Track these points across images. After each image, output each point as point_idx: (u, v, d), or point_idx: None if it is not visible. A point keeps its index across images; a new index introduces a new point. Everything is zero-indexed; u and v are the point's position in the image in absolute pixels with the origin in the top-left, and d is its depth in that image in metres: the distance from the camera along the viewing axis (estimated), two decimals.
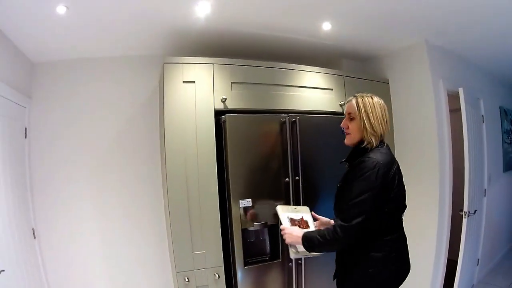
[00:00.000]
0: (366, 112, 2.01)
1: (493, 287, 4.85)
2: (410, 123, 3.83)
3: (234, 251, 2.71)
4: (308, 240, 1.92)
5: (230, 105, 2.83)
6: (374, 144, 1.95)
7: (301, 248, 1.97)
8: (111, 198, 3.54)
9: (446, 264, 3.86)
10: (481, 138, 4.61)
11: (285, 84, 3.08)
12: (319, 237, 1.87)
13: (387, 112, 2.07)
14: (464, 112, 3.72)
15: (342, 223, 1.80)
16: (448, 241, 3.82)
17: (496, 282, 5.01)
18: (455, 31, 3.47)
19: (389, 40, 3.65)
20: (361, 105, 2.03)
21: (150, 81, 3.63)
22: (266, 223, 2.81)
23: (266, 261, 2.87)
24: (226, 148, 2.73)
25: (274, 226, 2.82)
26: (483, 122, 4.66)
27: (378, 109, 2.02)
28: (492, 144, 5.17)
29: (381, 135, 2.00)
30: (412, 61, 3.77)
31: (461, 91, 3.72)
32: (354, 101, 2.07)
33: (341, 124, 2.12)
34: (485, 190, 4.66)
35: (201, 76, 2.78)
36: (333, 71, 3.39)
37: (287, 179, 2.90)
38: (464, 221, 3.70)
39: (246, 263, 2.75)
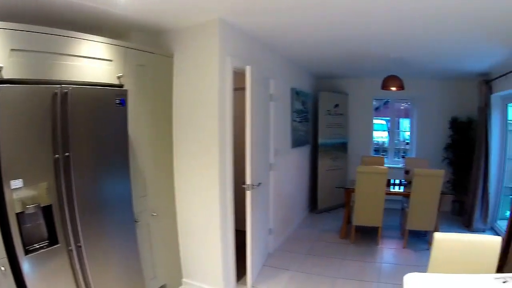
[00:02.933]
0: None
1: (291, 254, 5.48)
2: (192, 99, 4.01)
3: (13, 239, 2.54)
4: None
5: (8, 75, 2.58)
6: None
7: None
8: None
9: (235, 236, 4.21)
10: (268, 116, 5.12)
11: (64, 53, 2.95)
12: None
13: None
14: (249, 89, 3.96)
15: None
16: (233, 213, 4.17)
17: (293, 249, 5.70)
18: (253, 13, 3.64)
19: (183, 15, 3.67)
20: None
21: None
22: (39, 204, 2.67)
23: (47, 246, 2.73)
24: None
25: (49, 207, 2.73)
26: (271, 100, 5.19)
27: None
28: (282, 122, 5.85)
29: None
30: (202, 37, 3.88)
31: (248, 69, 3.97)
32: None
33: None
34: (271, 164, 5.22)
35: None
36: (115, 41, 3.36)
37: (56, 155, 2.77)
38: (248, 193, 4.05)
39: (27, 252, 2.60)
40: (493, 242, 2.58)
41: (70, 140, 2.83)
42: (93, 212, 3.02)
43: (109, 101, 3.15)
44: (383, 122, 9.51)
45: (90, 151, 3.02)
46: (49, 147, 2.72)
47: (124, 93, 3.26)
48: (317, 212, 7.79)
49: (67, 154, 2.81)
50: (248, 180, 4.04)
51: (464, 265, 2.60)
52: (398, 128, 9.32)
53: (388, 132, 9.20)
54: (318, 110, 7.77)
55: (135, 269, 3.42)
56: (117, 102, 3.18)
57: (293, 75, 6.53)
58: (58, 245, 2.77)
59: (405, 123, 9.41)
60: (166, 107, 4.01)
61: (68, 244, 2.83)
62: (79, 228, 2.88)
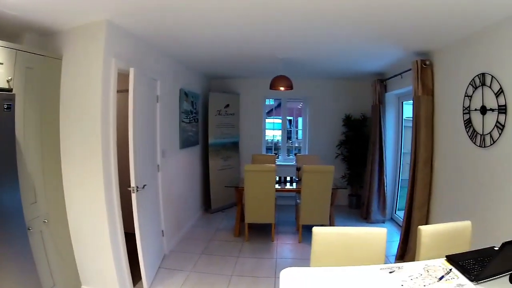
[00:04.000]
0: None
1: (186, 254, 5.62)
2: (77, 102, 3.99)
3: None
4: None
5: None
6: None
7: None
8: None
9: (125, 239, 4.29)
10: (154, 117, 5.27)
11: None
12: None
13: None
14: (132, 91, 4.07)
15: None
16: (121, 216, 4.23)
17: (188, 249, 5.84)
18: (140, 15, 3.76)
19: (71, 16, 3.66)
20: None
21: None
22: None
23: None
24: None
25: None
26: (157, 102, 5.37)
27: None
28: (170, 123, 6.00)
29: None
30: (88, 38, 3.91)
31: (131, 70, 4.08)
32: None
33: None
34: (158, 165, 5.37)
35: None
36: (6, 44, 3.28)
37: None
38: (133, 195, 4.14)
39: None
40: (379, 234, 2.72)
41: None
42: None
43: None
44: (280, 121, 9.94)
45: None
46: None
47: (12, 98, 3.23)
48: (211, 211, 8.04)
49: None
50: (132, 183, 4.13)
51: (349, 258, 2.69)
52: (296, 127, 9.80)
53: (287, 131, 9.63)
54: (209, 110, 8.01)
55: (32, 278, 3.37)
56: (5, 107, 3.16)
57: (182, 76, 6.69)
58: None
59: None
60: (54, 111, 3.98)
61: None
62: None
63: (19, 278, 3.26)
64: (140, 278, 4.39)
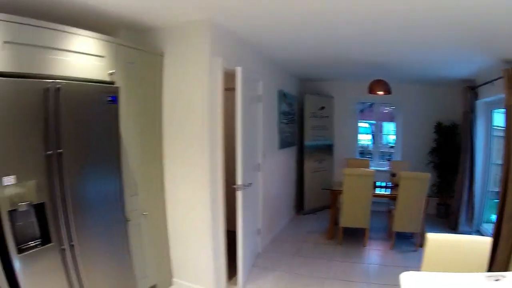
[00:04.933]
0: None
1: (279, 255, 5.37)
2: (182, 99, 3.88)
3: (5, 238, 2.38)
4: None
5: (0, 68, 2.43)
6: None
7: None
8: None
9: (226, 236, 4.09)
10: (257, 117, 5.04)
11: (56, 47, 2.80)
12: None
13: None
14: (240, 91, 3.88)
15: None
16: (224, 214, 4.04)
17: (281, 249, 5.60)
18: (243, 14, 3.58)
19: (173, 13, 3.57)
20: None
21: None
22: (31, 202, 2.53)
23: (39, 245, 2.58)
24: None
25: (41, 205, 2.59)
26: (259, 102, 5.10)
27: None
28: (269, 123, 5.77)
29: None
30: (193, 36, 3.78)
31: (238, 70, 3.88)
32: None
33: None
34: (259, 164, 5.12)
35: None
36: (107, 38, 3.25)
37: (49, 152, 2.63)
38: (239, 193, 3.96)
39: (19, 250, 2.44)
40: (483, 243, 2.60)
41: (62, 137, 2.71)
42: (85, 210, 2.90)
43: (101, 98, 3.03)
44: (367, 125, 9.45)
45: (82, 148, 2.90)
46: (41, 143, 2.59)
47: (116, 91, 3.15)
48: (304, 213, 7.73)
49: (59, 150, 2.68)
50: (239, 181, 3.95)
51: (455, 264, 2.60)
52: (381, 132, 9.30)
53: (372, 135, 9.15)
54: (304, 112, 7.70)
55: (126, 268, 3.31)
56: (109, 99, 3.07)
57: (279, 78, 6.45)
58: (51, 244, 2.64)
59: (388, 127, 9.36)
60: (155, 106, 3.89)
61: (61, 243, 2.70)
62: (72, 227, 2.76)
63: (115, 267, 3.20)
64: (233, 274, 4.23)
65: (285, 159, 6.88)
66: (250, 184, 4.28)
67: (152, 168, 3.86)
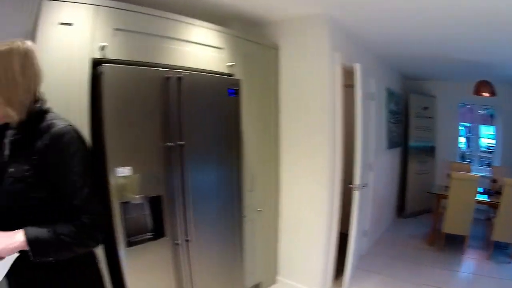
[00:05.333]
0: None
1: (381, 257, 5.11)
2: (300, 94, 3.69)
3: (113, 230, 2.28)
4: (41, 244, 1.36)
5: (111, 55, 2.35)
6: (16, 117, 1.43)
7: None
8: None
9: (338, 237, 3.89)
10: (369, 115, 4.72)
11: (174, 37, 2.72)
12: (60, 237, 1.37)
13: (32, 61, 1.47)
14: (359, 88, 3.70)
15: (94, 216, 1.44)
16: (339, 214, 3.84)
17: (383, 252, 5.33)
18: (357, 9, 3.38)
19: (287, 6, 3.44)
20: None
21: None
22: (148, 195, 2.45)
23: (150, 239, 2.49)
24: (102, 105, 2.23)
25: (157, 198, 2.49)
26: (372, 100, 4.78)
27: (16, 62, 1.41)
28: (379, 122, 5.42)
29: (28, 100, 1.46)
30: (309, 30, 3.61)
31: (357, 66, 3.71)
32: None
33: None
34: (370, 164, 4.82)
35: (80, 18, 2.23)
36: (225, 29, 3.15)
37: (169, 143, 2.52)
38: (356, 194, 3.73)
39: (129, 243, 2.35)
40: None
41: (184, 128, 2.58)
42: (204, 205, 2.77)
43: (222, 90, 2.89)
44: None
45: (204, 141, 2.77)
46: (160, 135, 2.48)
47: (238, 83, 3.00)
48: (404, 216, 7.25)
49: (181, 142, 2.56)
50: (356, 180, 3.71)
51: None
52: (478, 135, 8.55)
53: (468, 138, 8.42)
54: (408, 112, 7.23)
55: (237, 265, 3.17)
56: (230, 92, 2.93)
57: (386, 75, 6.06)
58: (164, 238, 2.53)
59: (484, 130, 8.52)
60: (272, 101, 3.73)
61: (175, 237, 2.58)
62: (190, 222, 2.64)
63: (227, 263, 3.09)
64: (338, 276, 4.03)
65: (391, 160, 6.49)
66: (366, 184, 4.01)
67: (268, 164, 3.71)
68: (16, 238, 1.34)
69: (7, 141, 1.50)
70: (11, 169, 1.42)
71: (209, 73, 2.90)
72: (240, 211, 3.10)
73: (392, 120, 6.25)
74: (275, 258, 3.95)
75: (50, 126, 1.44)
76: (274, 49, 3.73)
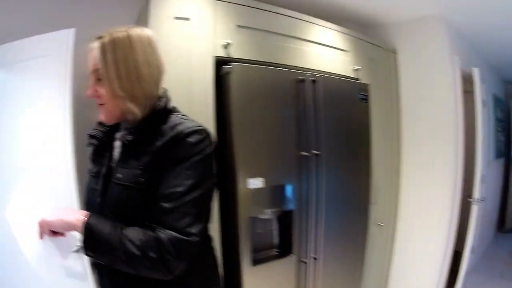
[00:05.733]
0: (115, 61, 1.19)
1: (484, 276, 4.74)
2: (420, 101, 3.42)
3: (238, 246, 2.07)
4: (96, 236, 1.12)
5: (235, 54, 2.18)
6: (139, 114, 1.23)
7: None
8: None
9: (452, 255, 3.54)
10: (477, 122, 4.37)
11: (298, 36, 2.51)
12: (122, 239, 1.10)
13: (156, 51, 1.30)
14: (478, 94, 3.43)
15: (177, 235, 1.11)
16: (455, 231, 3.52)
17: (485, 270, 4.93)
18: (472, 11, 3.19)
19: (401, 8, 3.25)
20: (108, 51, 1.20)
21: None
22: (280, 209, 2.24)
23: (276, 257, 2.28)
24: (230, 109, 2.04)
25: (288, 213, 2.28)
26: (484, 106, 4.39)
27: (138, 51, 1.23)
28: (487, 130, 4.97)
29: (152, 94, 1.28)
30: (425, 33, 3.38)
31: (476, 71, 3.43)
32: (98, 46, 1.21)
33: (88, 92, 1.26)
34: (483, 176, 4.40)
35: (198, 13, 2.07)
36: (349, 31, 2.93)
37: (304, 152, 2.29)
38: (474, 208, 3.42)
39: (255, 261, 2.13)
40: None
41: (320, 136, 2.37)
42: (334, 220, 2.54)
43: (353, 95, 2.68)
44: None
45: (338, 150, 2.56)
46: (294, 143, 2.26)
47: (367, 88, 2.79)
48: (504, 231, 6.70)
49: (316, 152, 2.34)
50: (476, 193, 3.37)
51: None
52: None
53: None
54: (510, 120, 6.67)
55: (356, 283, 2.88)
56: (360, 97, 2.71)
57: (492, 81, 5.58)
58: (291, 255, 2.30)
59: None
60: (393, 108, 3.47)
61: (302, 255, 2.35)
62: (320, 238, 2.41)
63: (347, 281, 2.78)
64: None
65: (496, 171, 5.97)
66: (485, 198, 3.68)
67: (389, 175, 3.43)
68: (76, 216, 1.15)
69: (117, 143, 1.33)
70: (119, 175, 1.22)
71: (337, 76, 2.71)
72: (366, 226, 2.86)
73: (499, 128, 5.79)
74: (387, 274, 3.65)
75: (174, 127, 1.21)
76: (393, 52, 3.49)
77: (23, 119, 2.06)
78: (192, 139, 1.18)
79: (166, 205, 1.13)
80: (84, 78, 1.38)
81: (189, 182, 1.15)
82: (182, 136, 1.17)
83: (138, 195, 1.18)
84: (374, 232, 3.15)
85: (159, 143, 1.18)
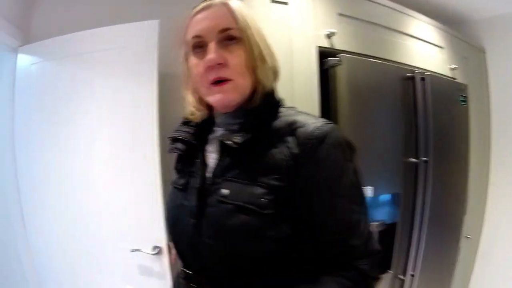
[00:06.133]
0: (254, 21, 0.94)
1: None
2: (510, 102, 3.10)
3: None
4: None
5: (338, 45, 1.90)
6: (256, 103, 0.93)
7: None
8: None
9: None
10: None
11: (398, 30, 2.25)
12: None
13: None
14: None
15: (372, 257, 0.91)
16: None
17: None
18: None
19: (492, 3, 2.96)
20: (245, 14, 0.92)
21: None
22: (384, 221, 1.95)
23: None
24: (337, 107, 1.78)
25: (391, 226, 2.00)
26: None
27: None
28: None
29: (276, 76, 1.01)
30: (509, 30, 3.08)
31: None
32: (233, 3, 0.92)
33: (212, 56, 0.86)
34: None
35: None
36: (444, 27, 2.66)
37: (413, 159, 2.02)
38: None
39: None
40: None
41: (430, 140, 2.10)
42: (434, 233, 2.24)
43: (454, 97, 2.41)
44: None
45: (443, 157, 2.27)
46: (402, 147, 2.00)
47: (466, 89, 2.50)
48: None
49: (424, 158, 2.07)
50: None
51: None
52: None
53: None
54: None
55: None
56: (461, 99, 2.43)
57: None
58: (389, 272, 2.01)
59: None
60: (484, 111, 3.15)
61: (400, 271, 2.08)
62: (420, 253, 2.13)
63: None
64: None
65: None
66: None
67: (479, 183, 3.09)
68: None
69: (210, 147, 0.99)
70: (225, 191, 0.87)
71: (437, 74, 2.42)
72: (458, 239, 2.56)
73: None
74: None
75: (293, 125, 0.88)
76: (481, 51, 3.18)
77: (104, 115, 1.88)
78: (330, 143, 0.85)
79: (355, 241, 0.86)
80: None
81: (355, 203, 0.88)
82: (317, 143, 0.84)
83: (262, 221, 0.82)
84: (462, 244, 2.83)
85: (280, 150, 0.85)
